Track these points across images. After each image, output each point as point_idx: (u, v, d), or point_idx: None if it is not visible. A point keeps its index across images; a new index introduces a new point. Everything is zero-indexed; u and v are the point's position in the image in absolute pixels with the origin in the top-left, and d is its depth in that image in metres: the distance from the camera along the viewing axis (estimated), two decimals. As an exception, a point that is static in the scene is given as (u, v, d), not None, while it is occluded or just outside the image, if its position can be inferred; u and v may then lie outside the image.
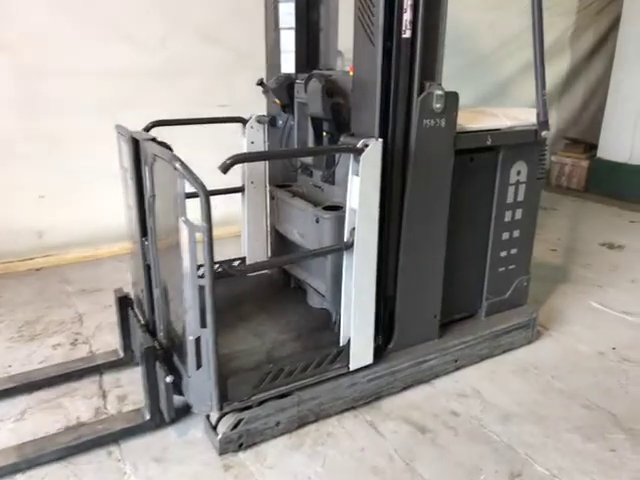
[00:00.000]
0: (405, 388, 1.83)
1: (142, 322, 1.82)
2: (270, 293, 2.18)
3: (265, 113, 2.13)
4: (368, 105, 1.56)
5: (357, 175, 1.50)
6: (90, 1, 2.69)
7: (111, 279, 2.61)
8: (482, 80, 4.23)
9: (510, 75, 4.38)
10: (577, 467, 1.51)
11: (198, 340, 1.41)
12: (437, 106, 1.60)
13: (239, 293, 2.18)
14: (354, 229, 1.54)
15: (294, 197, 1.92)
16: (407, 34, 1.52)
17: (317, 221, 1.77)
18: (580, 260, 3.05)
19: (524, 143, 1.90)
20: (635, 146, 4.21)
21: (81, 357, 1.98)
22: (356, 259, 1.57)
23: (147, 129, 1.95)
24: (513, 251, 2.05)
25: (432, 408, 1.75)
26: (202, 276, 1.35)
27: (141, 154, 1.58)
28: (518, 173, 1.94)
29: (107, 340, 2.11)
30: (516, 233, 2.03)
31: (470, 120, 1.79)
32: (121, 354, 1.94)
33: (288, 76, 1.89)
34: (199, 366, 1.43)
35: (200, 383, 1.45)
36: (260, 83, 1.94)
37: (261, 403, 1.57)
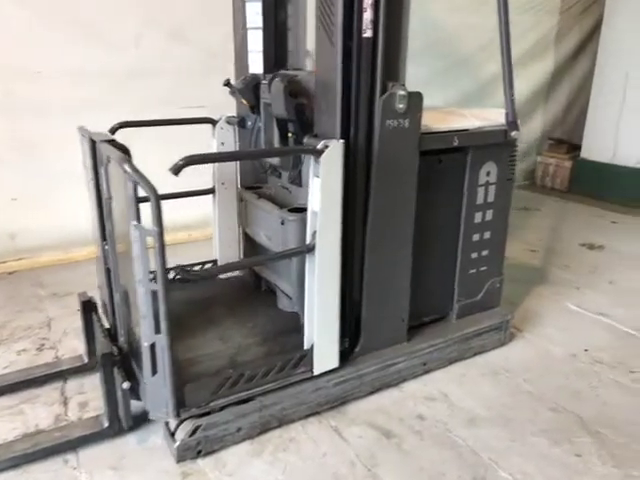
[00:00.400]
0: (372, 392, 1.80)
1: (106, 327, 1.80)
2: (240, 296, 2.16)
3: (235, 114, 2.11)
4: (329, 106, 1.54)
5: (317, 177, 1.48)
6: (60, 1, 2.66)
7: (85, 283, 2.55)
8: (464, 81, 4.22)
9: (492, 76, 4.38)
10: (541, 472, 1.49)
11: (153, 346, 1.38)
12: (400, 106, 1.58)
13: (209, 296, 2.16)
14: (316, 232, 1.52)
15: (260, 199, 1.90)
16: (368, 34, 1.49)
17: (282, 223, 1.74)
18: (559, 261, 3.03)
19: (493, 144, 1.89)
20: (618, 147, 4.21)
21: (45, 363, 1.94)
22: (318, 262, 1.55)
23: (113, 130, 1.92)
24: (484, 252, 2.03)
25: (399, 412, 1.73)
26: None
27: (97, 156, 1.56)
28: (488, 174, 1.93)
29: (74, 345, 2.07)
30: (487, 234, 2.01)
31: (437, 121, 1.77)
32: (85, 360, 1.91)
33: (255, 76, 1.87)
34: (154, 372, 1.40)
35: (156, 389, 1.42)
36: (227, 84, 1.91)
37: (222, 409, 1.54)
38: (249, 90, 1.84)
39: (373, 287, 1.74)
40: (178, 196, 2.19)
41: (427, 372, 1.92)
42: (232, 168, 2.17)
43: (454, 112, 1.90)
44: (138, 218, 1.30)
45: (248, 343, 1.82)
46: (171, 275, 1.48)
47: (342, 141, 1.49)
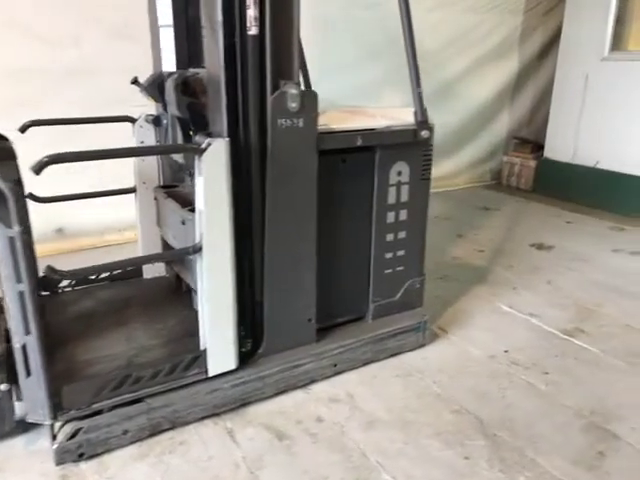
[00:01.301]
0: (277, 394, 1.78)
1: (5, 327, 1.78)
2: (160, 297, 2.14)
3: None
4: (217, 104, 1.52)
5: (201, 176, 1.46)
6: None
7: None
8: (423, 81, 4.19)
9: (456, 75, 4.36)
10: (425, 475, 1.47)
11: (25, 347, 1.36)
12: (293, 105, 1.56)
13: (128, 296, 2.14)
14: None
15: (167, 198, 1.88)
16: (253, 31, 1.47)
17: (183, 223, 1.72)
18: (504, 261, 3.02)
19: (404, 143, 1.87)
20: (578, 146, 4.19)
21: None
22: (207, 263, 1.53)
23: (22, 129, 1.91)
24: (400, 253, 2.01)
25: (298, 414, 1.71)
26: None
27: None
28: (399, 174, 1.91)
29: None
30: (402, 234, 1.99)
31: (340, 120, 1.75)
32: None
33: (160, 74, 1.85)
34: (28, 374, 1.38)
35: (32, 391, 1.40)
36: (134, 81, 1.89)
37: (111, 410, 1.53)
38: (154, 88, 1.82)
39: (274, 287, 1.72)
40: (94, 195, 2.18)
41: (338, 373, 1.90)
42: (154, 167, 2.15)
43: (362, 111, 1.88)
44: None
45: (152, 344, 1.80)
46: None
47: (226, 139, 1.47)
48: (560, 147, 4.33)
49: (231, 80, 1.48)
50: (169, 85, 1.60)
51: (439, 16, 4.08)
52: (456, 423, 1.68)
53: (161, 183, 2.15)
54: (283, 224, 1.67)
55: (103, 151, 1.32)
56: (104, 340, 1.81)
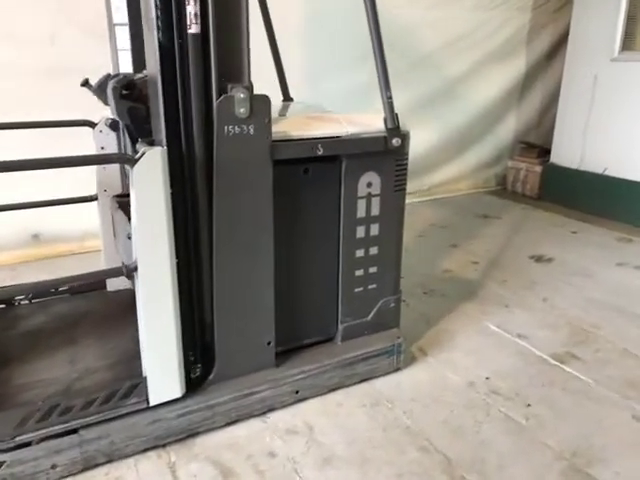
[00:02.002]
0: (230, 423, 1.65)
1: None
2: (119, 312, 2.01)
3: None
4: (155, 109, 1.39)
5: (134, 188, 1.33)
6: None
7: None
8: (426, 82, 4.02)
9: (460, 75, 4.18)
10: (379, 525, 1.33)
11: None
12: (241, 111, 1.42)
13: (85, 311, 2.03)
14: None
15: (118, 209, 1.75)
16: (194, 29, 1.34)
17: (129, 237, 1.59)
18: (499, 275, 2.84)
19: (373, 152, 1.71)
20: (585, 151, 3.98)
21: None
22: (143, 284, 1.40)
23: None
24: (372, 270, 1.86)
25: (250, 447, 1.57)
26: None
27: None
28: (369, 185, 1.75)
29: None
30: (373, 250, 1.84)
31: (301, 127, 1.61)
32: None
33: (108, 75, 1.72)
34: (-60, 404, 1.27)
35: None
36: (84, 83, 1.77)
37: (40, 442, 1.40)
38: (102, 91, 1.70)
39: (226, 309, 1.58)
40: (54, 204, 2.06)
41: (300, 401, 1.76)
42: (115, 174, 2.03)
43: (326, 117, 1.72)
44: None
45: (97, 367, 1.67)
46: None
47: (162, 148, 1.33)
48: (567, 152, 4.12)
49: (170, 83, 1.35)
50: (109, 88, 1.47)
51: (440, 14, 3.90)
52: (421, 462, 1.52)
53: (122, 191, 2.03)
54: (234, 241, 1.53)
55: (5, 163, 1.20)
56: (47, 361, 1.69)
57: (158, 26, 1.29)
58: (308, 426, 1.66)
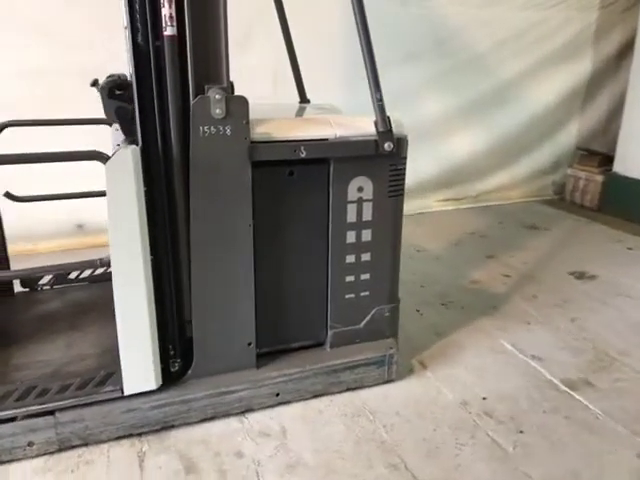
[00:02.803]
0: (207, 419, 1.67)
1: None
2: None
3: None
4: (133, 109, 1.43)
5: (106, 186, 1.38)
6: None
7: None
8: (475, 84, 3.86)
9: (514, 77, 3.98)
10: (323, 540, 1.29)
11: None
12: (217, 112, 1.43)
13: (98, 299, 2.13)
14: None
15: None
16: (169, 31, 1.37)
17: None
18: (529, 290, 2.67)
19: (364, 156, 1.67)
20: (652, 161, 3.65)
21: None
22: (117, 279, 1.45)
23: (-1, 129, 1.95)
24: (364, 276, 1.81)
25: (220, 445, 1.58)
26: None
27: None
28: (360, 190, 1.71)
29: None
30: (366, 256, 1.79)
31: (286, 129, 1.59)
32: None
33: (111, 76, 1.79)
34: None
35: None
36: (94, 84, 1.85)
37: (22, 419, 1.50)
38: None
39: (204, 308, 1.60)
40: (97, 195, 2.14)
41: (281, 404, 1.74)
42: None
43: (318, 119, 1.70)
44: None
45: (89, 353, 1.75)
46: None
47: (133, 148, 1.37)
48: (632, 160, 3.79)
49: (145, 84, 1.39)
50: (100, 87, 1.53)
51: (493, 13, 3.73)
52: (387, 479, 1.46)
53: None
54: (211, 241, 1.55)
55: (6, 156, 1.28)
56: (47, 345, 1.80)
57: (133, 28, 1.34)
58: (282, 430, 1.65)
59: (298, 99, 2.27)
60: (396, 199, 1.77)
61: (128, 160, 1.36)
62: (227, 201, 1.53)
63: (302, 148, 1.57)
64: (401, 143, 1.71)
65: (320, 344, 1.86)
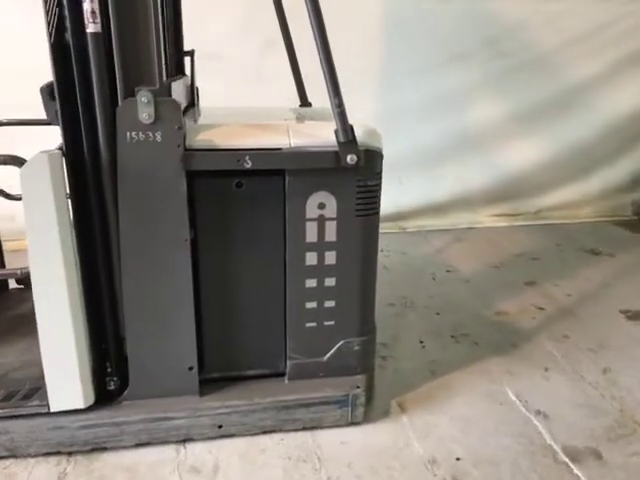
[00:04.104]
0: (143, 444, 1.55)
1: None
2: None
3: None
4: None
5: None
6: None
7: None
8: (536, 87, 3.45)
9: (586, 81, 3.51)
10: None
11: None
12: (144, 116, 1.31)
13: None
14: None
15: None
16: (91, 28, 1.26)
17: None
18: (562, 328, 2.29)
19: (325, 169, 1.46)
20: None
21: None
22: (36, 292, 1.37)
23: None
24: (328, 304, 1.60)
25: (146, 476, 1.46)
26: None
27: None
28: (321, 206, 1.50)
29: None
30: (330, 281, 1.58)
31: (232, 136, 1.43)
32: None
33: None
34: None
35: None
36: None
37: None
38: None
39: (137, 326, 1.49)
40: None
41: (225, 436, 1.59)
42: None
43: (275, 126, 1.51)
44: None
45: (39, 360, 1.71)
46: None
47: (50, 153, 1.28)
48: None
49: (67, 85, 1.29)
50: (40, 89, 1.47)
51: (561, 7, 3.30)
52: None
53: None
54: (142, 255, 1.43)
55: None
56: (8, 347, 1.78)
57: (50, 24, 1.25)
58: (215, 468, 1.49)
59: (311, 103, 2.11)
60: (366, 219, 1.55)
61: (44, 165, 1.28)
62: (159, 213, 1.40)
63: (247, 158, 1.40)
64: (372, 156, 1.49)
65: (281, 374, 1.68)
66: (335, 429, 1.64)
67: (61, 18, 1.25)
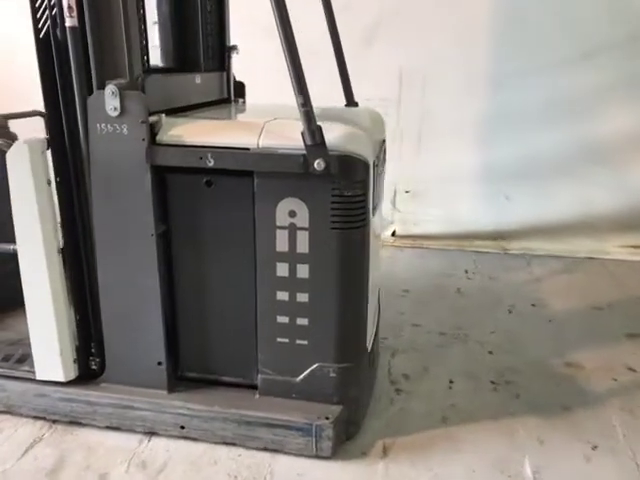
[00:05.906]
0: (113, 428, 1.59)
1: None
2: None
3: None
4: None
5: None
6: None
7: None
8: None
9: None
10: None
11: None
12: (110, 108, 1.32)
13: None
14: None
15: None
16: (69, 22, 1.31)
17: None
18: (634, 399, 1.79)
19: (295, 174, 1.32)
20: None
21: None
22: (23, 272, 1.49)
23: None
24: (301, 321, 1.46)
25: (100, 460, 1.49)
26: None
27: None
28: (292, 214, 1.37)
29: None
30: (302, 297, 1.44)
31: (195, 132, 1.37)
32: None
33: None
34: None
35: None
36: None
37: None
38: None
39: (111, 314, 1.53)
40: None
41: (187, 438, 1.55)
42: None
43: (246, 124, 1.41)
44: None
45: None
46: None
47: (33, 142, 1.37)
48: None
49: (49, 77, 1.36)
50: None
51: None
52: None
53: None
54: (112, 247, 1.46)
55: None
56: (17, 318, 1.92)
57: (34, 18, 1.33)
58: (161, 468, 1.47)
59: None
60: (344, 232, 1.37)
61: (24, 153, 1.37)
62: (127, 206, 1.41)
63: (209, 156, 1.33)
64: (350, 163, 1.31)
65: (255, 387, 1.59)
66: (299, 458, 1.50)
67: (43, 12, 1.32)
